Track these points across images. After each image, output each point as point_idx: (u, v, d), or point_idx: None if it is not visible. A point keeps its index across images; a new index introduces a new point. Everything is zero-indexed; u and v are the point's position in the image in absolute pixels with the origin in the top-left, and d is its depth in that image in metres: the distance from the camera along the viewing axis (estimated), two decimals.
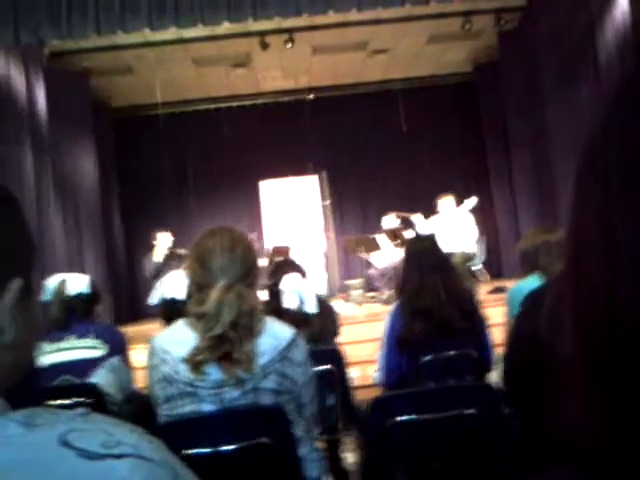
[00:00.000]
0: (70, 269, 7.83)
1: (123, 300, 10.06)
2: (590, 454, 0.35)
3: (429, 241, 2.94)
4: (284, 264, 3.20)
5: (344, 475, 2.29)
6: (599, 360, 0.34)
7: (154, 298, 4.26)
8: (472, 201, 7.99)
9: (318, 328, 2.89)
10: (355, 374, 3.75)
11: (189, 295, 1.87)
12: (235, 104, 10.89)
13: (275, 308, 2.87)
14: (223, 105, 10.86)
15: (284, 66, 9.60)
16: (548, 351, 1.75)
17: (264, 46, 8.37)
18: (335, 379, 2.70)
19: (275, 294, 2.93)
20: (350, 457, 3.62)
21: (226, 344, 1.63)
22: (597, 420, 0.35)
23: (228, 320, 1.63)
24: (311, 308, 2.90)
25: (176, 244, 8.09)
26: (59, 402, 2.43)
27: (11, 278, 0.64)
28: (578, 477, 0.37)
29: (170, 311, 2.97)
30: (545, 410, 1.83)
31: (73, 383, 2.75)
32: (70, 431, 0.58)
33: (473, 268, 7.99)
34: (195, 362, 1.64)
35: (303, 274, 3.14)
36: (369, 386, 3.75)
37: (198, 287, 1.74)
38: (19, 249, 0.67)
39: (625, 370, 0.32)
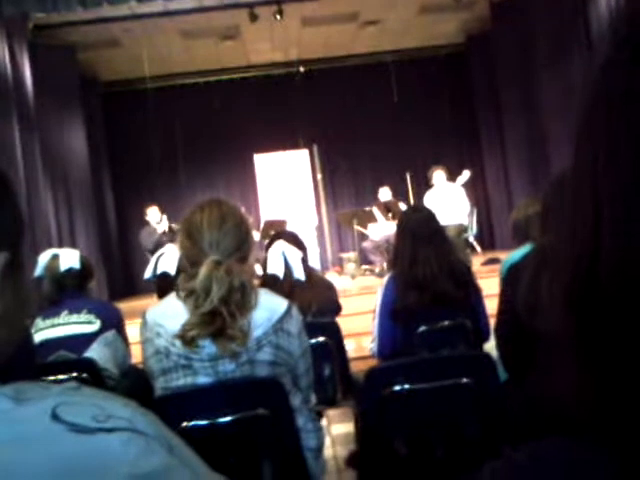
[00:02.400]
0: (62, 245, 7.80)
1: (117, 276, 10.05)
2: (580, 420, 0.35)
3: (423, 212, 2.93)
4: (279, 235, 3.17)
5: None
6: (582, 320, 0.35)
7: (148, 273, 4.27)
8: (465, 175, 7.99)
9: (308, 299, 2.86)
10: (350, 346, 3.77)
11: (179, 270, 1.86)
12: (224, 77, 10.77)
13: (267, 279, 2.87)
14: (212, 79, 10.74)
15: (274, 38, 9.48)
16: (527, 325, 1.78)
17: (253, 18, 8.25)
18: (332, 351, 2.71)
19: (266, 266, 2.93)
20: (342, 428, 3.67)
21: (218, 320, 1.62)
22: (585, 384, 0.35)
23: (217, 296, 1.61)
24: (299, 274, 2.89)
25: (166, 219, 8.10)
26: (55, 378, 2.43)
27: None
28: (572, 445, 0.37)
29: (163, 286, 2.95)
30: (532, 378, 1.85)
31: (69, 358, 2.74)
32: (60, 405, 0.57)
33: (468, 239, 8.04)
34: (188, 338, 1.63)
35: (300, 245, 3.11)
36: (364, 357, 3.78)
37: (189, 262, 1.73)
38: (4, 223, 0.65)
39: (607, 329, 0.33)
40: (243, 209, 1.90)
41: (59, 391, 0.60)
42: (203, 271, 1.64)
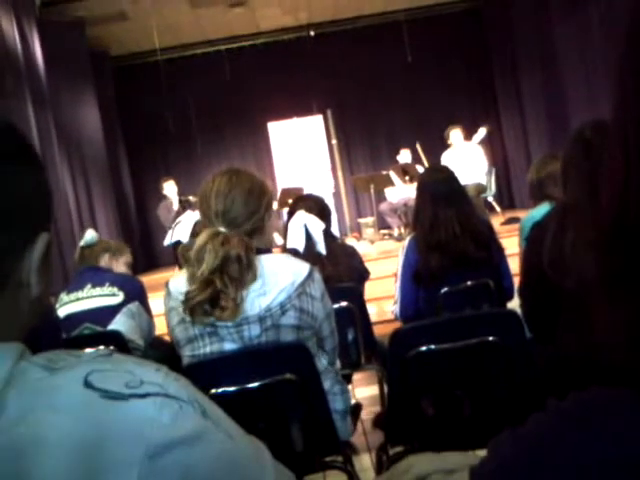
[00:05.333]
0: (81, 222, 7.86)
1: (137, 249, 10.13)
2: (614, 366, 0.36)
3: (443, 172, 2.88)
4: (301, 202, 3.10)
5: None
6: (614, 262, 0.36)
7: (167, 240, 4.27)
8: (481, 132, 7.87)
9: (331, 272, 2.80)
10: (372, 310, 3.77)
11: (193, 237, 1.85)
12: (235, 45, 10.66)
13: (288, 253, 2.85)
14: (222, 47, 10.63)
15: (283, 3, 9.32)
16: (552, 282, 1.76)
17: None
18: (355, 315, 2.71)
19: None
20: (367, 391, 3.70)
21: (210, 289, 1.61)
22: (617, 327, 0.36)
23: (209, 267, 1.60)
24: (321, 248, 2.86)
25: (183, 191, 8.13)
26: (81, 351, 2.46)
27: (39, 233, 0.62)
28: (614, 392, 0.36)
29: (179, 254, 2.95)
30: (560, 335, 1.84)
31: (95, 331, 2.78)
32: (92, 372, 0.57)
33: (487, 198, 7.97)
34: (190, 307, 1.64)
35: (323, 213, 3.03)
36: (386, 321, 3.79)
37: (200, 231, 1.73)
38: (43, 203, 0.65)
39: (637, 269, 0.34)
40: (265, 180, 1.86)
41: (90, 359, 0.60)
42: (198, 241, 1.64)
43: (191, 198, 7.63)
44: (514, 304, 2.64)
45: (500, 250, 2.83)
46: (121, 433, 0.54)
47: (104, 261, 3.09)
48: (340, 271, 2.88)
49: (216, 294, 1.62)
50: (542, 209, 2.76)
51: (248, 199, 1.72)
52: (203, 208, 1.73)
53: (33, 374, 0.56)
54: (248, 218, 1.71)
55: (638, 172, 0.34)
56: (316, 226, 2.89)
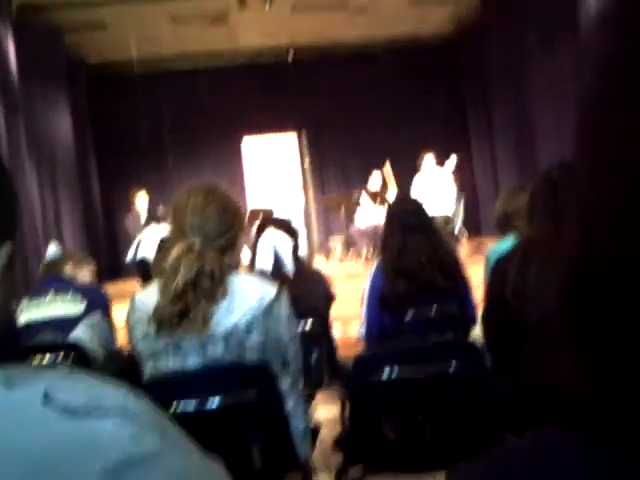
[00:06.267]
0: (47, 229, 7.74)
1: (102, 259, 9.99)
2: (577, 407, 0.36)
3: (413, 203, 2.95)
4: (268, 221, 3.12)
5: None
6: (577, 309, 0.35)
7: (129, 256, 4.22)
8: (452, 160, 8.03)
9: (297, 293, 2.79)
10: (336, 331, 3.77)
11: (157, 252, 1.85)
12: (213, 62, 10.69)
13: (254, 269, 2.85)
14: (201, 63, 10.65)
15: (263, 25, 9.40)
16: (515, 314, 1.81)
17: (242, 4, 8.18)
18: (319, 335, 2.71)
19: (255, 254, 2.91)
20: (327, 411, 3.68)
21: (181, 303, 1.61)
22: (582, 372, 0.35)
23: (183, 279, 1.61)
24: (289, 269, 2.86)
25: (154, 203, 8.05)
26: (40, 359, 2.42)
27: (2, 241, 0.61)
28: (573, 434, 0.37)
29: (144, 271, 2.93)
30: (521, 365, 1.88)
31: (55, 340, 2.73)
32: (51, 389, 0.56)
33: (454, 230, 8.10)
34: (159, 319, 1.63)
35: (292, 233, 3.05)
36: (349, 343, 3.79)
37: (171, 244, 1.73)
38: (9, 211, 0.63)
39: (602, 317, 0.33)
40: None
41: (50, 375, 0.59)
42: (174, 253, 1.64)
43: (160, 208, 7.54)
44: (476, 332, 2.69)
45: (465, 280, 2.89)
46: (79, 450, 0.54)
47: (67, 270, 3.05)
48: (306, 293, 2.88)
49: (186, 308, 1.62)
50: (508, 241, 2.82)
51: (223, 216, 1.74)
52: (177, 220, 1.73)
53: None
54: (222, 234, 1.72)
55: (604, 211, 0.34)
56: (285, 245, 2.90)
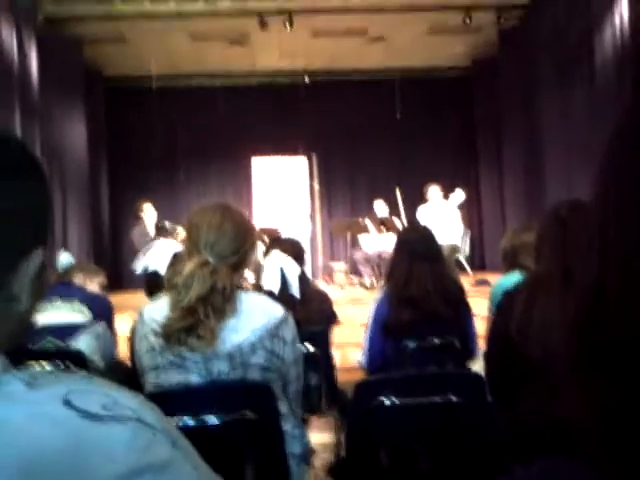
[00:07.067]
0: (52, 236, 7.76)
1: (107, 269, 9.98)
2: (584, 442, 0.36)
3: (422, 231, 2.96)
4: (276, 241, 3.14)
5: None
6: (588, 347, 0.36)
7: (138, 267, 4.20)
8: (460, 196, 8.04)
9: (302, 315, 2.81)
10: (335, 356, 3.76)
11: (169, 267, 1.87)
12: (230, 81, 10.80)
13: (260, 289, 2.86)
14: (217, 82, 10.77)
15: (282, 47, 9.51)
16: (519, 351, 1.81)
17: (263, 26, 8.29)
18: (320, 360, 2.71)
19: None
20: (320, 437, 3.65)
21: (191, 318, 1.63)
22: (589, 409, 0.36)
23: (196, 294, 1.63)
24: (295, 291, 2.88)
25: (161, 217, 8.06)
26: (42, 364, 2.41)
27: (35, 248, 0.62)
28: (568, 466, 0.38)
29: (152, 284, 2.93)
30: (521, 403, 1.88)
31: (58, 346, 2.73)
32: (71, 391, 0.58)
33: (460, 259, 8.10)
34: (167, 333, 1.65)
35: (299, 255, 3.07)
36: (348, 369, 3.78)
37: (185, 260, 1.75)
38: (43, 216, 0.64)
39: (613, 357, 0.34)
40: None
41: (70, 380, 0.61)
42: (188, 267, 1.66)
43: (167, 224, 7.57)
44: (477, 366, 2.68)
45: (468, 311, 2.90)
46: (95, 453, 0.55)
47: (78, 280, 3.06)
48: (311, 315, 2.90)
49: (195, 323, 1.63)
50: (513, 277, 2.83)
51: (238, 234, 1.76)
52: (192, 236, 1.75)
53: (14, 386, 0.57)
54: (235, 252, 1.75)
55: (616, 263, 0.34)
56: (292, 269, 2.92)
